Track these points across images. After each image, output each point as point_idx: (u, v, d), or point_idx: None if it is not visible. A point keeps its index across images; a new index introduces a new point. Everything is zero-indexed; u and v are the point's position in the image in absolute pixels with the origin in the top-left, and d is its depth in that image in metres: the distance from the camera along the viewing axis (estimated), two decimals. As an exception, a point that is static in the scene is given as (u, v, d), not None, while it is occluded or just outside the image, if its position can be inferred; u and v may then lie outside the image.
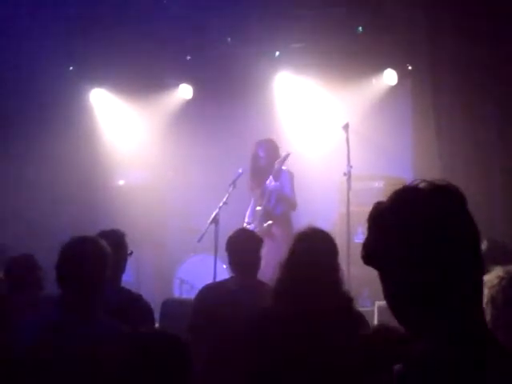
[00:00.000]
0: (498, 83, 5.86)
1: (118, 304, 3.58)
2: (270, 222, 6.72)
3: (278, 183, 6.72)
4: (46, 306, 3.74)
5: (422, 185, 1.50)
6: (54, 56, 8.11)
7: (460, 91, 6.07)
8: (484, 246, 3.43)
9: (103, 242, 3.21)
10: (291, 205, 6.83)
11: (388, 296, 1.52)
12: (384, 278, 1.52)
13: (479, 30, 5.90)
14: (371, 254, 1.53)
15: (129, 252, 4.04)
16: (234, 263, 4.23)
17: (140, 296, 3.90)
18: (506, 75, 5.79)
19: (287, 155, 6.63)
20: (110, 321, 3.15)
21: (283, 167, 6.75)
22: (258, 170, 6.98)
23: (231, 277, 4.33)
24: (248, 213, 7.14)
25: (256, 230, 6.66)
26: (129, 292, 3.92)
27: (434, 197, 1.47)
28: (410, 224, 1.45)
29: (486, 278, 2.66)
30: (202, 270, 7.32)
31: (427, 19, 6.39)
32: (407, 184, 1.53)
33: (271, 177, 6.71)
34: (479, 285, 1.50)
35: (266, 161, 6.91)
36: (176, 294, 7.87)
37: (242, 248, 4.19)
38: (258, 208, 6.90)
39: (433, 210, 1.46)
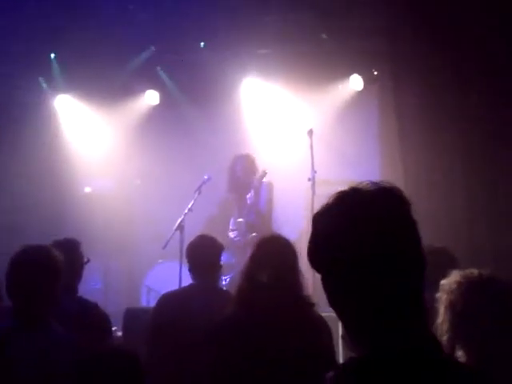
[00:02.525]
0: (459, 88, 5.90)
1: (74, 313, 3.55)
2: (254, 234, 6.80)
3: (256, 199, 6.97)
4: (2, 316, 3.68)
5: (365, 187, 1.48)
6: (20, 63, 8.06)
7: (422, 97, 6.11)
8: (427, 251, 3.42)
9: (55, 251, 3.16)
10: (265, 218, 7.04)
11: (328, 299, 1.49)
12: (324, 280, 1.49)
13: (440, 36, 5.94)
14: (313, 255, 1.50)
15: (85, 260, 3.98)
16: (193, 269, 4.20)
17: (96, 305, 3.85)
18: (467, 81, 5.83)
19: (264, 174, 6.91)
20: (61, 330, 3.10)
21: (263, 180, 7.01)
22: (235, 184, 7.21)
23: (191, 284, 4.29)
24: (231, 222, 7.30)
25: (238, 239, 6.91)
26: (85, 301, 3.87)
27: (376, 199, 1.45)
28: (350, 226, 1.43)
29: (444, 281, 2.65)
30: (170, 277, 7.24)
31: (388, 27, 6.42)
32: (352, 186, 1.50)
33: (252, 191, 6.94)
34: (419, 290, 1.46)
35: (243, 175, 7.14)
36: (143, 302, 7.80)
37: (202, 254, 4.16)
38: (240, 220, 7.08)
39: (375, 212, 1.43)
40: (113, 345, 3.69)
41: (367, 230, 1.41)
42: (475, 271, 2.63)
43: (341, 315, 1.47)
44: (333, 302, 1.48)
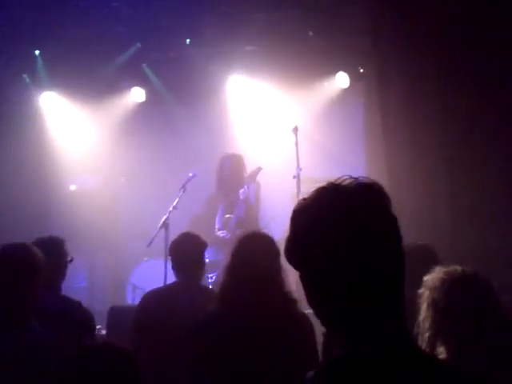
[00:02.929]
0: (444, 88, 5.91)
1: (58, 311, 3.53)
2: (242, 230, 6.75)
3: (247, 195, 6.97)
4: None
5: (345, 182, 1.46)
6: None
7: (407, 96, 6.12)
8: (406, 247, 3.43)
9: (35, 249, 3.13)
10: (254, 214, 7.05)
11: (306, 295, 1.48)
12: (303, 277, 1.47)
13: (426, 35, 5.95)
14: (290, 252, 1.48)
15: (69, 259, 3.95)
16: (176, 267, 4.18)
17: (79, 303, 3.83)
18: (453, 81, 5.84)
19: (259, 170, 6.90)
20: (40, 329, 3.07)
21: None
22: (223, 183, 7.19)
23: (174, 281, 4.27)
24: (217, 219, 7.25)
25: (228, 236, 6.87)
26: (69, 299, 3.85)
27: (356, 195, 1.43)
28: (329, 223, 1.41)
29: (427, 278, 2.65)
30: (155, 274, 7.22)
31: (374, 25, 6.43)
32: (331, 181, 1.48)
33: (245, 188, 6.95)
34: (399, 287, 1.44)
35: (231, 173, 7.13)
36: (129, 300, 7.78)
37: (185, 251, 4.15)
38: (228, 216, 7.08)
39: (354, 208, 1.41)
40: (103, 341, 3.65)
41: (346, 226, 1.39)
42: (458, 268, 2.64)
43: (318, 313, 1.46)
44: (310, 299, 1.47)
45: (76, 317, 3.70)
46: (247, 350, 3.13)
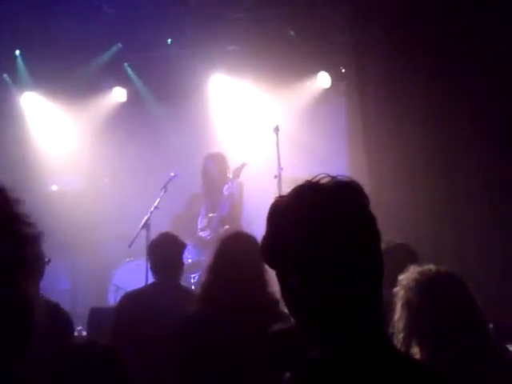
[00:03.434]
0: (424, 89, 5.94)
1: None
2: (226, 226, 6.78)
3: (231, 191, 6.95)
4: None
5: (323, 180, 1.44)
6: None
7: (387, 98, 6.14)
8: (385, 245, 3.44)
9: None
10: (237, 212, 7.08)
11: (282, 296, 1.46)
12: (279, 278, 1.45)
13: (406, 35, 5.98)
14: (267, 252, 1.46)
15: (46, 260, 3.90)
16: (155, 267, 4.17)
17: (57, 304, 3.79)
18: (433, 82, 5.87)
19: (243, 165, 6.88)
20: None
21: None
22: (208, 182, 7.18)
23: (152, 282, 4.26)
24: (199, 219, 7.24)
25: (211, 236, 6.83)
26: (46, 301, 3.80)
27: (334, 194, 1.41)
28: (307, 222, 1.39)
29: (402, 276, 2.65)
30: (137, 275, 7.17)
31: (354, 25, 6.45)
32: (309, 180, 1.46)
33: (229, 184, 6.91)
34: (377, 287, 1.42)
35: (216, 172, 7.11)
36: (111, 301, 7.73)
37: (163, 252, 4.13)
38: (212, 215, 7.06)
39: (332, 207, 1.39)
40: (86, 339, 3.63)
41: (324, 225, 1.37)
42: (433, 267, 2.64)
43: (293, 312, 1.44)
44: (285, 298, 1.45)
45: (54, 318, 3.66)
46: (232, 350, 3.12)
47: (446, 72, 5.77)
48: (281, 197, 1.47)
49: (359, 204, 1.42)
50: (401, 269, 2.68)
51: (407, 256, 3.55)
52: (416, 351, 2.51)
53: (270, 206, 1.48)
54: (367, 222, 1.42)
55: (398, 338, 2.53)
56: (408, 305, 2.57)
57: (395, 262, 2.62)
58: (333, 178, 1.44)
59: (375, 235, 1.43)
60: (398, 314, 2.58)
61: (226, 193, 6.93)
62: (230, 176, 6.96)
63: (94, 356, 2.39)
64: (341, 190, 1.42)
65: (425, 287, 2.56)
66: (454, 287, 2.58)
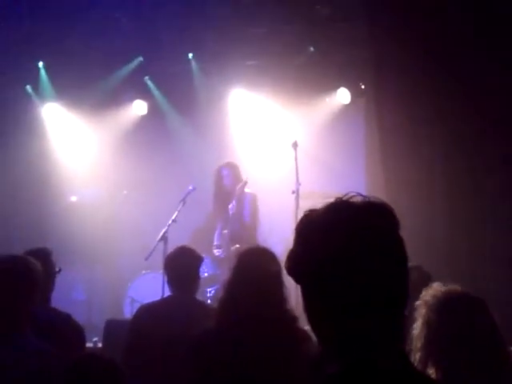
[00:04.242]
0: (443, 104, 5.92)
1: (46, 323, 3.49)
2: (237, 245, 6.72)
3: (239, 209, 6.89)
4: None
5: (356, 200, 1.45)
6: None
7: (404, 112, 6.12)
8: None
9: (32, 261, 3.13)
10: (249, 229, 6.97)
11: (306, 311, 1.46)
12: (304, 293, 1.46)
13: (425, 50, 5.97)
14: (293, 266, 1.46)
15: (57, 270, 3.93)
16: (171, 280, 4.15)
17: (69, 316, 3.79)
18: (451, 96, 5.85)
19: (245, 183, 6.84)
20: (37, 340, 3.06)
21: (246, 190, 6.96)
22: (221, 194, 7.11)
23: (168, 295, 4.25)
24: (216, 235, 7.23)
25: (224, 255, 6.84)
26: (57, 311, 3.81)
27: (367, 215, 1.42)
28: (338, 241, 1.39)
29: (425, 294, 2.62)
30: (153, 288, 7.19)
31: (373, 41, 6.45)
32: (340, 197, 1.47)
33: (234, 201, 6.85)
34: (401, 307, 1.43)
35: (231, 184, 7.04)
36: (127, 313, 7.74)
37: (180, 265, 4.11)
38: (225, 231, 7.02)
39: (365, 229, 1.40)
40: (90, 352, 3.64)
41: (354, 244, 1.39)
42: (456, 288, 2.60)
43: (316, 328, 1.44)
44: (309, 314, 1.45)
45: (65, 330, 3.67)
46: (245, 368, 3.08)
47: (465, 88, 5.75)
48: (311, 211, 1.47)
49: (391, 227, 1.44)
50: (414, 291, 2.66)
51: (420, 278, 3.51)
52: (432, 372, 2.48)
53: (301, 221, 1.47)
54: (397, 246, 1.44)
55: (415, 356, 2.51)
56: (427, 324, 2.54)
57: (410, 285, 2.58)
58: (364, 197, 1.46)
59: (403, 258, 1.44)
60: (417, 332, 2.55)
61: (231, 212, 6.90)
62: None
63: (95, 371, 2.41)
64: (374, 211, 1.43)
65: (446, 307, 2.53)
66: (476, 310, 2.55)
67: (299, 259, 1.45)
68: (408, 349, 2.48)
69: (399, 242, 1.43)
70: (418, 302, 2.59)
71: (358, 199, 1.45)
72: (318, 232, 1.42)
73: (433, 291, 2.60)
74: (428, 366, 2.51)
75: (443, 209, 5.78)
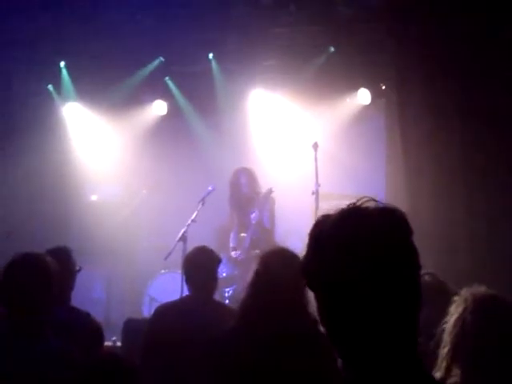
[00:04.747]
0: (464, 106, 5.87)
1: (66, 322, 3.52)
2: (257, 251, 6.68)
3: (260, 216, 6.93)
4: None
5: (369, 206, 1.45)
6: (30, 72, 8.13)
7: (426, 114, 6.08)
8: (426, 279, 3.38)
9: (49, 259, 3.15)
10: (268, 233, 7.03)
11: (321, 318, 1.46)
12: (318, 299, 1.46)
13: (446, 55, 5.93)
14: (307, 273, 1.46)
15: (77, 269, 3.96)
16: (189, 281, 4.16)
17: (88, 314, 3.82)
18: (473, 99, 5.80)
19: (270, 192, 6.89)
20: (56, 340, 3.08)
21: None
22: (238, 198, 7.14)
23: (186, 295, 4.26)
24: (231, 237, 7.26)
25: (241, 257, 6.88)
26: (77, 310, 3.84)
27: (381, 222, 1.42)
28: (351, 247, 1.39)
29: (456, 298, 2.59)
30: (172, 287, 7.21)
31: (394, 43, 6.41)
32: (354, 203, 1.46)
33: (257, 210, 6.91)
34: (415, 316, 1.43)
35: (247, 189, 7.08)
36: (145, 312, 7.77)
37: (198, 266, 4.12)
38: (243, 235, 7.06)
39: (378, 235, 1.40)
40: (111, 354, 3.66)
41: (367, 253, 1.38)
42: (488, 293, 2.56)
43: (330, 336, 1.44)
44: (324, 321, 1.45)
45: (84, 328, 3.69)
46: (265, 371, 3.05)
47: (486, 92, 5.69)
48: (325, 216, 1.47)
49: (403, 234, 1.43)
50: (429, 299, 2.63)
51: (435, 285, 3.48)
52: (455, 373, 2.45)
53: (314, 226, 1.47)
54: (409, 253, 1.43)
55: (442, 352, 2.48)
56: (463, 324, 2.50)
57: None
58: (377, 202, 1.45)
59: (416, 266, 1.44)
60: (450, 328, 2.52)
61: (253, 221, 6.94)
62: (258, 199, 6.95)
63: (113, 373, 2.43)
64: (387, 218, 1.43)
65: (486, 313, 2.50)
66: (506, 313, 2.52)
67: (311, 267, 1.45)
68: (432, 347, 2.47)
69: (411, 250, 1.43)
70: (455, 298, 2.56)
71: (371, 205, 1.44)
72: (330, 240, 1.42)
73: (475, 292, 2.56)
74: (452, 365, 2.48)
75: (464, 209, 5.72)
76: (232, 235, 7.28)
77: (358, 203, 1.46)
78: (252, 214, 6.97)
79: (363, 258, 1.38)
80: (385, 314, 1.38)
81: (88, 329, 3.68)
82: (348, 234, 1.41)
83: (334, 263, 1.40)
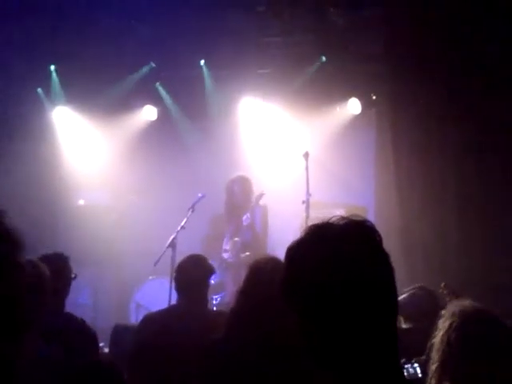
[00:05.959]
0: (456, 115, 5.91)
1: (60, 329, 3.49)
2: (247, 253, 6.90)
3: (251, 220, 7.01)
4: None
5: (337, 221, 1.48)
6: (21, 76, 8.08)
7: (417, 124, 6.11)
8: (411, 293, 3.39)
9: (42, 266, 3.12)
10: (260, 239, 7.12)
11: (300, 334, 1.50)
12: (296, 317, 1.50)
13: (438, 63, 5.97)
14: (282, 291, 1.51)
15: (72, 276, 3.93)
16: (180, 288, 4.13)
17: (83, 321, 3.79)
18: (465, 108, 5.84)
19: (261, 195, 6.93)
20: (45, 346, 3.06)
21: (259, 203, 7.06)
22: (233, 206, 7.22)
23: (175, 304, 4.23)
24: (224, 241, 7.29)
25: (233, 260, 6.95)
26: (71, 317, 3.81)
27: (345, 234, 1.46)
28: (319, 262, 1.42)
29: (445, 313, 2.59)
30: (159, 294, 7.19)
31: (387, 53, 6.45)
32: (325, 219, 1.51)
33: (248, 213, 6.97)
34: (393, 323, 1.45)
35: (242, 197, 7.16)
36: (132, 318, 7.73)
37: (191, 274, 4.10)
38: (236, 239, 7.13)
39: (343, 247, 1.43)
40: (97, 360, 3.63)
41: (334, 265, 1.41)
42: (474, 307, 2.57)
43: (309, 349, 1.47)
44: (303, 336, 1.48)
45: (79, 335, 3.66)
46: (256, 380, 3.06)
47: (480, 104, 5.73)
48: (297, 240, 1.51)
49: (371, 242, 1.46)
50: (421, 311, 2.63)
51: (427, 298, 3.49)
52: None
53: (289, 245, 1.52)
54: (380, 260, 1.46)
55: (431, 367, 2.49)
56: (449, 341, 2.50)
57: (415, 305, 2.57)
58: (346, 218, 1.49)
59: (388, 273, 1.46)
60: (437, 343, 2.52)
61: (245, 223, 7.01)
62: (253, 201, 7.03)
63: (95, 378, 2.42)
64: (351, 229, 1.47)
65: (471, 330, 2.49)
66: (493, 326, 2.52)
67: (286, 285, 1.50)
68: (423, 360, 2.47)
69: (382, 256, 1.46)
70: (443, 312, 2.57)
71: (340, 221, 1.48)
72: (299, 257, 1.47)
73: (462, 308, 2.55)
74: (441, 383, 2.48)
75: (455, 220, 5.75)
76: (225, 239, 7.33)
77: (328, 220, 1.50)
78: (243, 217, 7.03)
79: (332, 269, 1.41)
80: (360, 322, 1.40)
81: (83, 336, 3.65)
82: (315, 248, 1.45)
83: (304, 279, 1.44)
